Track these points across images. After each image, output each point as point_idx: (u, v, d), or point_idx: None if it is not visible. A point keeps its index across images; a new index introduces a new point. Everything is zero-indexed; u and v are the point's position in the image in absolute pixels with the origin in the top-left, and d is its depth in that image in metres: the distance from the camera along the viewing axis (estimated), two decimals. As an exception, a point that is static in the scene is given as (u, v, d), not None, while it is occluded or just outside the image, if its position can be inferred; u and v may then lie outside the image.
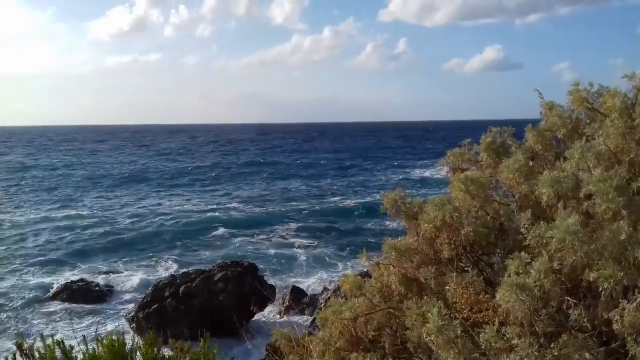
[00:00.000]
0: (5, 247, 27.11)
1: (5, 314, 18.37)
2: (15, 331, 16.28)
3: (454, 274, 2.45)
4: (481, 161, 2.90)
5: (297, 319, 16.94)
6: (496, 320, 2.05)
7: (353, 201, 40.88)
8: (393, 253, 2.70)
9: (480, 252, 2.58)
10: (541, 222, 2.23)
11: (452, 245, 2.54)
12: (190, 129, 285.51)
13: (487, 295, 2.22)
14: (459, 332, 2.06)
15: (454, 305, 2.28)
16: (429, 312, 2.17)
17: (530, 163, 2.68)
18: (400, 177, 56.73)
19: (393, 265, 2.72)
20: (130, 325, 16.70)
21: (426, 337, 2.14)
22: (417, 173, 59.23)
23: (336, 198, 42.34)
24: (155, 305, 17.07)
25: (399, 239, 2.82)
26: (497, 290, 2.01)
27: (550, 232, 2.12)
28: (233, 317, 16.94)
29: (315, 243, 27.63)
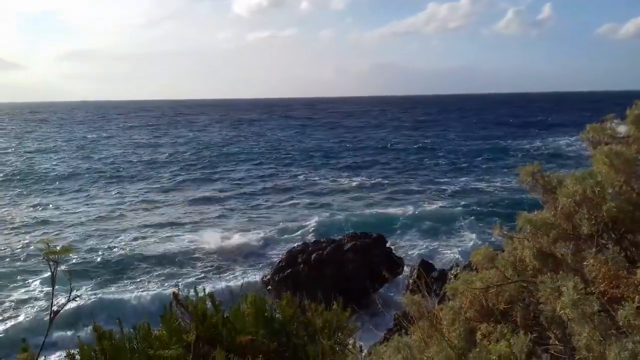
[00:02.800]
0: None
1: (167, 268, 20.54)
2: (173, 283, 18.17)
3: (593, 249, 2.37)
4: (627, 136, 2.73)
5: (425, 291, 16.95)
6: (636, 297, 1.98)
7: (485, 183, 39.55)
8: (528, 227, 2.66)
9: (623, 230, 2.46)
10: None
11: (593, 221, 2.45)
12: (328, 102, 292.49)
13: (628, 273, 2.13)
14: (596, 307, 2.01)
15: (592, 281, 2.22)
16: (564, 286, 2.14)
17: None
18: (541, 150, 53.67)
19: (527, 239, 2.68)
20: (266, 287, 17.86)
21: (560, 311, 2.12)
22: (565, 148, 55.42)
23: (468, 177, 41.02)
24: (289, 270, 18.04)
25: (535, 212, 2.77)
26: (639, 267, 1.93)
27: None
28: (361, 286, 17.44)
29: (450, 219, 27.19)
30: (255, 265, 20.92)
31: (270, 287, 17.78)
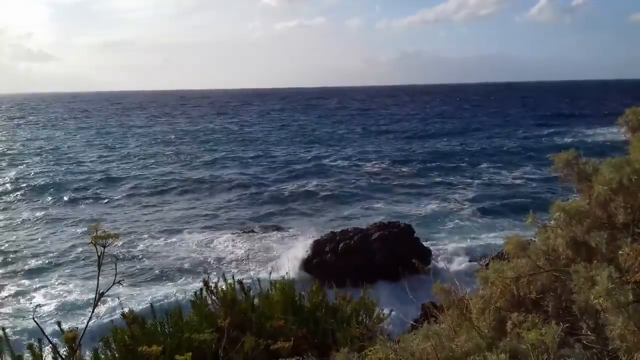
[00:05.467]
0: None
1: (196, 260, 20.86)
2: (202, 271, 18.42)
3: (629, 239, 2.32)
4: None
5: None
6: (674, 287, 1.93)
7: (514, 166, 38.90)
8: (562, 215, 2.61)
9: (661, 219, 2.40)
10: None
11: (629, 210, 2.39)
12: (355, 91, 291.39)
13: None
14: (630, 297, 1.98)
15: (626, 271, 2.18)
16: (598, 275, 2.10)
17: None
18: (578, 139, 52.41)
19: (561, 228, 2.63)
20: (294, 275, 17.97)
21: (594, 301, 2.08)
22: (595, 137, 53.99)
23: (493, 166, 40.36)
24: (316, 259, 18.14)
25: (569, 201, 2.72)
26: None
27: None
28: (389, 275, 17.42)
29: (478, 209, 26.90)
30: (284, 254, 21.07)
31: (298, 275, 17.91)
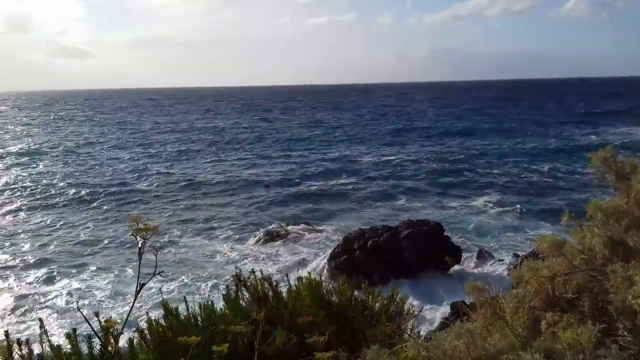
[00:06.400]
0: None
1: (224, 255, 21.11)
2: (234, 267, 18.63)
3: (669, 238, 2.28)
4: None
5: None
6: None
7: (547, 165, 38.12)
8: (599, 214, 2.57)
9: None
10: None
11: (669, 209, 2.35)
12: (384, 88, 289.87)
13: None
14: (671, 297, 1.94)
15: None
16: (636, 275, 2.07)
17: None
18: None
19: (598, 227, 2.60)
20: (322, 272, 18.02)
21: (631, 301, 2.05)
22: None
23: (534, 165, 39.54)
24: (345, 256, 18.13)
25: (606, 200, 2.67)
26: None
27: None
28: (418, 273, 17.34)
29: (509, 209, 26.50)
30: (312, 251, 21.13)
31: (326, 272, 17.95)
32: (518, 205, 26.82)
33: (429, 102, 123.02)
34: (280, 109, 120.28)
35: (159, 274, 2.05)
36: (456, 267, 18.33)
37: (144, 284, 2.02)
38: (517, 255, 17.81)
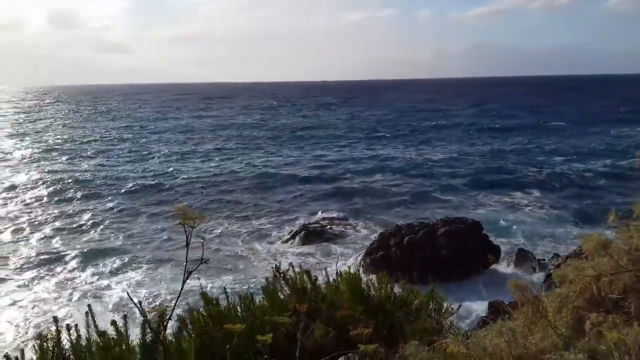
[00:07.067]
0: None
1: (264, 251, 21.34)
2: (273, 260, 18.83)
3: None
4: None
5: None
6: None
7: (586, 164, 37.05)
8: (647, 214, 2.51)
9: None
10: None
11: None
12: (421, 84, 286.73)
13: None
14: None
15: None
16: (687, 277, 2.01)
17: None
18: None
19: (646, 227, 2.53)
20: (358, 268, 18.02)
21: (682, 303, 2.00)
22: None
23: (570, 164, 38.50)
24: (381, 252, 18.08)
25: (656, 199, 2.60)
26: None
27: None
28: (456, 270, 17.14)
29: (549, 208, 25.91)
30: (349, 247, 21.14)
31: (362, 268, 17.94)
32: (559, 205, 26.23)
33: (468, 98, 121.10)
34: (315, 103, 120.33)
35: (205, 262, 2.11)
36: (494, 266, 18.05)
37: (191, 272, 2.08)
38: (558, 256, 17.42)
